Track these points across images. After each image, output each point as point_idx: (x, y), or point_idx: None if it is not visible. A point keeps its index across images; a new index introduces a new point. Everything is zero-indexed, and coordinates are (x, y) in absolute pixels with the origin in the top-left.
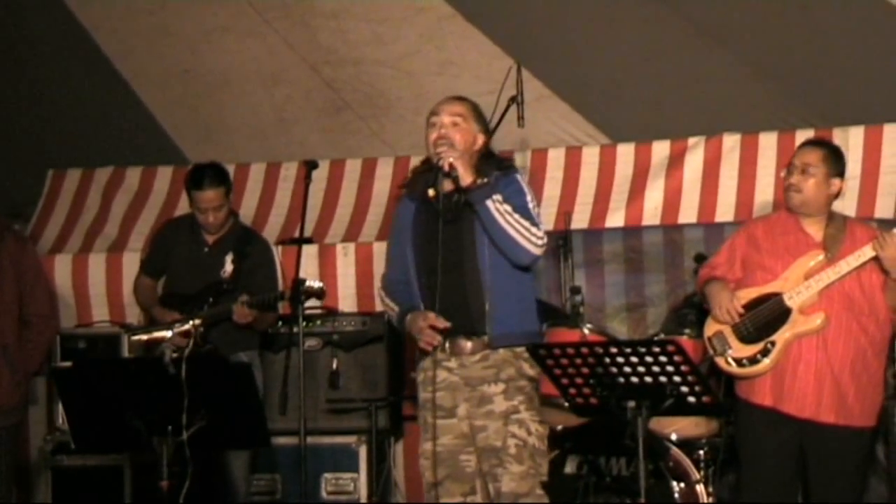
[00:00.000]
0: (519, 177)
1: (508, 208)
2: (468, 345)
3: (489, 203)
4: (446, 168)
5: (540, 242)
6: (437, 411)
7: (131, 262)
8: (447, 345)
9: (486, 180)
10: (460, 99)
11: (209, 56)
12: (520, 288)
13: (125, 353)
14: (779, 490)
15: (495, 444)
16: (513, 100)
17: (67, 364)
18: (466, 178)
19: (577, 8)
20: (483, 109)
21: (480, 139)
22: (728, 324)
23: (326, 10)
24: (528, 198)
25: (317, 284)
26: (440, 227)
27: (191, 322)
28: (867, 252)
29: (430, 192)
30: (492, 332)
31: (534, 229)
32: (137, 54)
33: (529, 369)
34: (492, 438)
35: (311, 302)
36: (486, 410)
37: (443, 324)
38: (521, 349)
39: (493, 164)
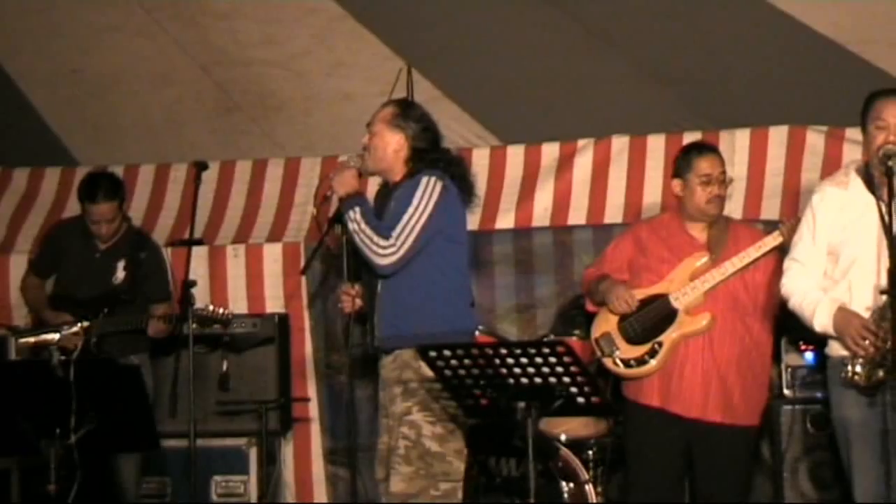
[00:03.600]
0: (426, 179)
1: (360, 220)
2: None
3: (346, 218)
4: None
5: (384, 252)
6: (380, 410)
7: (18, 265)
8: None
9: (350, 193)
10: (386, 104)
11: (98, 56)
12: (417, 290)
13: (12, 355)
14: (666, 489)
15: (391, 444)
16: None
17: None
18: (340, 191)
19: (467, 10)
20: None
21: (396, 141)
22: (626, 312)
23: (217, 11)
24: (416, 202)
25: (221, 310)
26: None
27: (79, 324)
28: (759, 248)
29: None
30: (380, 335)
31: (378, 240)
32: (25, 54)
33: (427, 370)
34: (392, 439)
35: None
36: (392, 411)
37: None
38: None
39: (420, 166)
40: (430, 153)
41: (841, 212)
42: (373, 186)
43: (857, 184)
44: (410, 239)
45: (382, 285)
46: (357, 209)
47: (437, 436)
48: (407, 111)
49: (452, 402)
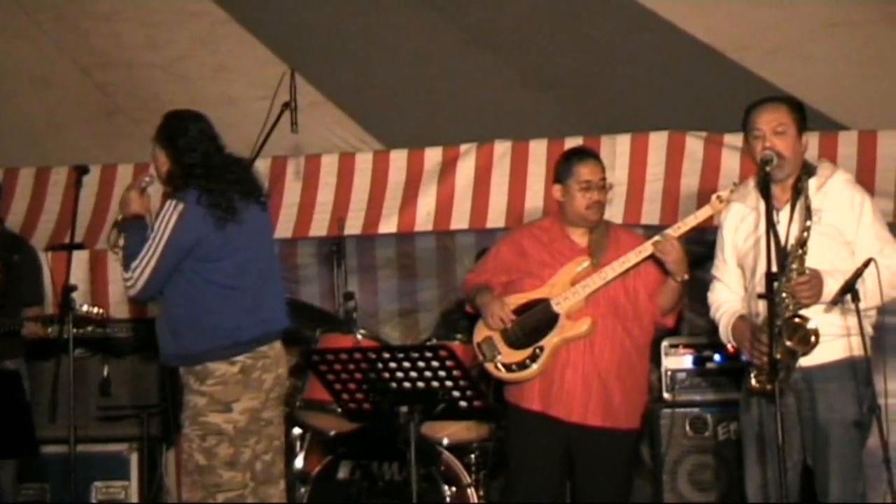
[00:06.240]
0: (167, 204)
1: (120, 250)
2: None
3: None
4: None
5: (127, 284)
6: None
7: None
8: None
9: (126, 216)
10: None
11: None
12: (178, 310)
13: None
14: (547, 492)
15: None
16: (286, 105)
17: None
18: (122, 213)
19: (350, 15)
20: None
21: (161, 158)
22: (500, 329)
23: (98, 13)
24: (154, 230)
25: (95, 310)
26: None
27: None
28: (639, 253)
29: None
30: (161, 352)
31: (123, 272)
32: None
33: (195, 383)
34: None
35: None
36: None
37: None
38: (194, 364)
39: (176, 183)
40: (190, 168)
41: (742, 224)
42: None
43: (754, 195)
44: (147, 270)
45: (162, 305)
46: (122, 237)
47: (205, 449)
48: (167, 127)
49: (223, 413)
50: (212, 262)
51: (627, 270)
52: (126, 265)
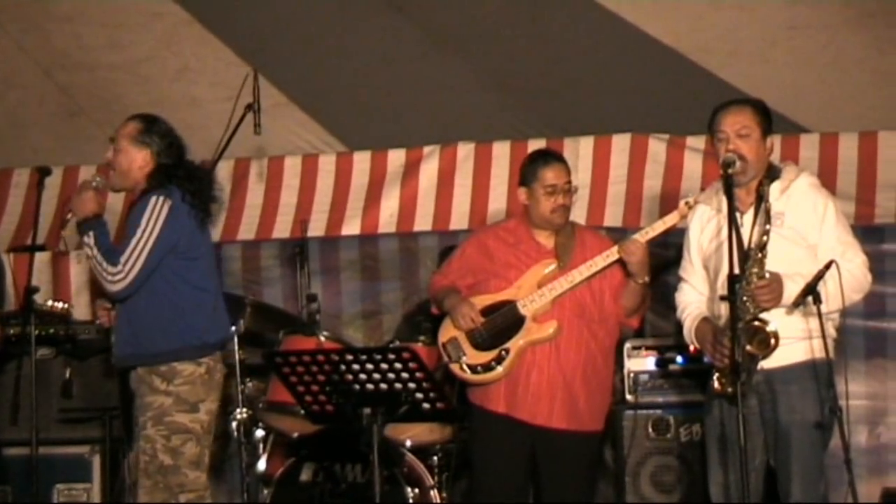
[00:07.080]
0: (153, 200)
1: (93, 246)
2: None
3: (83, 243)
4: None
5: (113, 279)
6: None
7: None
8: None
9: (87, 216)
10: (130, 119)
11: None
12: (150, 308)
13: None
14: (510, 494)
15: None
16: (249, 107)
17: None
18: (79, 214)
19: (314, 16)
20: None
21: (141, 158)
22: (469, 329)
23: (61, 14)
24: (143, 225)
25: (60, 305)
26: None
27: None
28: (607, 258)
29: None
30: (116, 353)
31: (107, 266)
32: None
33: (161, 384)
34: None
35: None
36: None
37: None
38: (158, 364)
39: (159, 181)
40: (172, 168)
41: (708, 226)
42: None
43: (720, 198)
44: (139, 264)
45: (120, 304)
46: (91, 234)
47: (171, 449)
48: (151, 127)
49: (190, 413)
50: (190, 260)
51: (594, 274)
52: (110, 260)
